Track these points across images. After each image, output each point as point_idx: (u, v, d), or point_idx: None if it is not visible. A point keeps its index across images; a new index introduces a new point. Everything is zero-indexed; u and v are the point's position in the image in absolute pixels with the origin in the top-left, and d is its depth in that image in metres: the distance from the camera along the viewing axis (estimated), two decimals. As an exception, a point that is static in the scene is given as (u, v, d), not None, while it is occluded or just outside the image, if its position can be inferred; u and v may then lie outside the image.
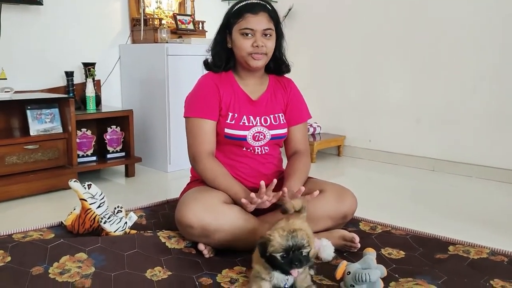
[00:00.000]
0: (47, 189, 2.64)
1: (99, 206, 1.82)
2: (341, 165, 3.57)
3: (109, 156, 3.02)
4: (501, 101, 2.96)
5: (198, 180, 1.90)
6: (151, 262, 1.61)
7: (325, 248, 1.70)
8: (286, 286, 1.36)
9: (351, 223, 1.97)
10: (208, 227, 1.66)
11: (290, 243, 1.26)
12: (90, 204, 1.80)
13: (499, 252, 1.72)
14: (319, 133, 3.76)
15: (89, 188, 1.84)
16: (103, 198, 1.86)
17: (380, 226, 2.01)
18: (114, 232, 1.79)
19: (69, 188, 1.82)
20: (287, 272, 1.30)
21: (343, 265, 1.49)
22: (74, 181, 1.83)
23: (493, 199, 2.65)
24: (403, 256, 1.74)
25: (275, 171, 1.96)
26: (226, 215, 1.69)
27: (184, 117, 1.89)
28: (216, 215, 1.67)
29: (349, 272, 1.46)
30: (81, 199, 1.80)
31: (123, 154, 3.06)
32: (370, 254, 1.55)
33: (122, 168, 3.17)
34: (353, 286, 1.44)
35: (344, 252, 1.76)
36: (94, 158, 2.95)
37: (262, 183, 1.66)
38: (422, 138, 3.33)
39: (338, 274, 1.48)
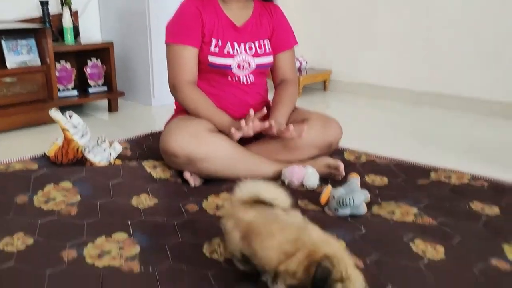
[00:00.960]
0: (28, 123, 2.59)
1: (82, 136, 1.79)
2: (327, 100, 3.55)
3: (90, 90, 2.95)
4: (487, 33, 2.92)
5: (183, 110, 1.86)
6: (137, 191, 1.61)
7: (310, 176, 1.72)
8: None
9: (336, 153, 1.98)
10: (192, 155, 1.65)
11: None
12: (72, 134, 1.77)
13: (480, 178, 1.76)
14: (305, 68, 3.70)
15: (70, 118, 1.80)
16: (85, 128, 1.82)
17: (364, 155, 2.03)
18: (99, 162, 1.77)
19: (51, 122, 1.77)
20: None
21: (327, 190, 1.50)
22: (55, 111, 1.79)
23: (476, 131, 2.68)
24: (386, 183, 1.77)
25: (261, 101, 1.94)
26: (211, 144, 1.68)
27: (165, 43, 1.83)
28: (201, 144, 1.66)
29: (334, 197, 1.48)
30: (63, 129, 1.77)
31: (105, 88, 2.99)
32: (355, 179, 1.57)
33: (105, 103, 3.11)
34: (338, 210, 1.46)
35: (329, 179, 1.77)
36: (75, 92, 2.88)
37: (251, 111, 1.64)
38: (407, 70, 3.30)
39: (323, 199, 1.50)
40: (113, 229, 1.36)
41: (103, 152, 1.79)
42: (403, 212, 1.48)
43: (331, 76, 3.70)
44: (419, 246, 1.25)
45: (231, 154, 1.72)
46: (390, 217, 1.45)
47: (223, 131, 1.73)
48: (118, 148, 1.83)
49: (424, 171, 1.84)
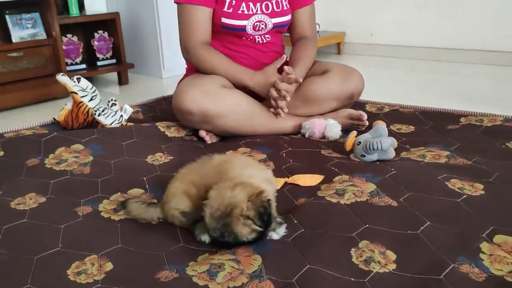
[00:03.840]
0: (37, 98, 2.52)
1: (91, 99, 1.72)
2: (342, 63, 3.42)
3: (99, 63, 2.87)
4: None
5: (195, 70, 1.77)
6: (151, 149, 1.54)
7: (332, 127, 1.63)
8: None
9: (357, 105, 1.88)
10: (208, 112, 1.57)
11: (218, 228, 0.95)
12: (81, 97, 1.70)
13: (514, 119, 1.65)
14: (317, 31, 3.57)
15: (78, 82, 1.74)
16: (94, 91, 1.76)
17: (387, 106, 1.93)
18: (110, 125, 1.71)
19: (61, 97, 1.70)
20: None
21: (352, 136, 1.42)
22: (62, 75, 1.72)
23: (503, 83, 2.54)
24: (413, 130, 1.67)
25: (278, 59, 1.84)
26: (227, 99, 1.60)
27: (175, 2, 1.73)
28: (216, 100, 1.58)
29: (359, 142, 1.39)
30: (72, 92, 1.70)
31: (114, 61, 2.92)
32: (380, 124, 1.47)
33: (114, 76, 3.04)
34: (364, 156, 1.38)
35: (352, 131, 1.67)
36: (83, 66, 2.81)
37: (289, 68, 1.60)
38: (425, 27, 3.17)
39: (348, 145, 1.41)
40: (128, 186, 1.30)
41: (114, 115, 1.72)
42: (434, 155, 1.38)
43: (345, 38, 3.57)
44: (455, 184, 1.16)
45: (247, 110, 1.63)
46: (421, 160, 1.35)
47: (247, 87, 1.65)
48: (129, 110, 1.76)
49: (453, 117, 1.74)
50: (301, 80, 1.60)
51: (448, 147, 1.44)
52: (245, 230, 0.93)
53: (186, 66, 1.88)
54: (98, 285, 0.89)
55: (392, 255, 0.92)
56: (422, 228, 0.99)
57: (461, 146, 1.45)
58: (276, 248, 0.95)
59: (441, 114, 1.78)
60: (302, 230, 1.01)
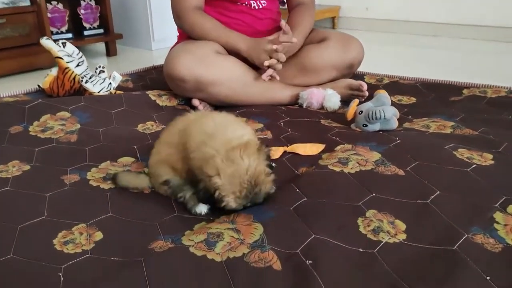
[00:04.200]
0: (22, 68, 2.41)
1: (77, 65, 1.63)
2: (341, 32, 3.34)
3: (86, 33, 2.76)
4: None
5: (188, 36, 1.69)
6: (141, 118, 1.47)
7: (330, 97, 1.56)
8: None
9: (355, 77, 1.81)
10: (201, 79, 1.50)
11: (249, 202, 0.91)
12: (67, 62, 1.61)
13: (518, 91, 1.60)
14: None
15: (64, 47, 1.64)
16: (81, 57, 1.66)
17: (386, 77, 1.86)
18: (98, 92, 1.62)
19: (46, 66, 1.61)
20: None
21: (354, 104, 1.35)
22: (46, 39, 1.62)
23: (503, 58, 2.48)
24: (414, 101, 1.62)
25: (274, 27, 1.75)
26: (222, 66, 1.52)
27: (165, -36, 1.63)
28: (210, 66, 1.50)
29: (361, 112, 1.33)
30: (57, 57, 1.61)
31: (101, 31, 2.80)
32: (382, 93, 1.41)
33: (102, 47, 2.93)
34: (366, 125, 1.32)
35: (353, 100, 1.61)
36: (69, 35, 2.69)
37: (285, 25, 1.51)
38: (423, 1, 3.09)
39: (350, 114, 1.35)
40: (119, 154, 1.23)
41: (102, 82, 1.63)
42: (438, 125, 1.33)
43: (339, 12, 3.48)
44: (463, 154, 1.10)
45: (243, 78, 1.56)
46: (426, 130, 1.29)
47: (240, 53, 1.57)
48: (118, 78, 1.67)
49: (455, 88, 1.68)
50: (295, 40, 1.52)
51: (453, 117, 1.39)
52: (270, 185, 0.92)
53: (177, 34, 1.80)
54: (87, 255, 0.83)
55: (401, 225, 0.87)
56: (432, 197, 0.93)
57: (466, 117, 1.39)
58: (277, 216, 0.89)
59: (443, 85, 1.72)
60: (305, 199, 0.95)
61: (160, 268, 0.77)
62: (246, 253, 0.80)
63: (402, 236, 0.84)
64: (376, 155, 1.10)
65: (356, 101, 1.36)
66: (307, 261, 0.78)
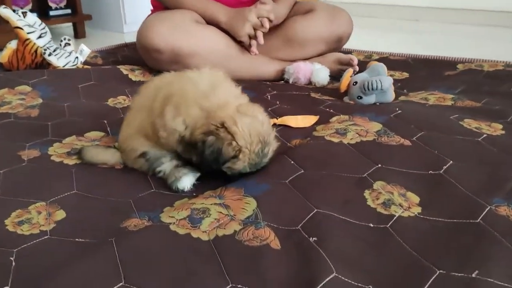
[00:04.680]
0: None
1: (39, 37, 1.47)
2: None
3: (52, 13, 2.57)
4: None
5: (163, 8, 1.55)
6: (112, 92, 1.32)
7: (319, 72, 1.45)
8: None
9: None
10: (179, 50, 1.37)
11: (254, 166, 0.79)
12: (28, 33, 1.44)
13: (515, 64, 1.52)
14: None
15: (24, 17, 1.48)
16: (44, 28, 1.50)
17: (376, 54, 1.76)
18: (63, 67, 1.46)
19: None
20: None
21: (348, 74, 1.24)
22: (4, 7, 1.45)
23: (490, 44, 2.41)
24: (407, 76, 1.52)
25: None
26: (201, 36, 1.40)
27: None
28: (189, 36, 1.37)
29: (356, 82, 1.22)
30: (16, 27, 1.44)
31: (68, 11, 2.62)
32: (378, 63, 1.30)
33: (70, 29, 2.74)
34: (361, 97, 1.21)
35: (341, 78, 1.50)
36: (34, 15, 2.49)
37: None
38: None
39: (343, 85, 1.24)
40: (86, 129, 1.08)
41: (68, 56, 1.48)
42: (438, 98, 1.23)
43: (320, -3, 3.37)
44: (471, 124, 1.01)
45: (224, 49, 1.43)
46: (425, 103, 1.19)
47: (219, 23, 1.44)
48: (86, 51, 1.52)
49: (449, 63, 1.59)
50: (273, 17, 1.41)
51: (451, 90, 1.29)
52: (275, 148, 0.83)
53: (151, 8, 1.65)
54: (47, 237, 0.69)
55: (414, 197, 0.76)
56: (445, 167, 0.83)
57: (466, 89, 1.30)
58: (272, 190, 0.77)
59: (436, 61, 1.63)
60: (302, 171, 0.83)
61: (135, 249, 0.64)
62: (237, 230, 0.67)
63: (417, 210, 0.73)
64: (376, 125, 0.99)
65: (350, 70, 1.25)
66: (310, 238, 0.66)
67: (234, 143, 0.75)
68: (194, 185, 0.82)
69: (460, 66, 1.55)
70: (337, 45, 1.57)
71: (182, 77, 0.85)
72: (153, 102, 0.82)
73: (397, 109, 1.08)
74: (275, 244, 0.65)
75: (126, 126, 0.90)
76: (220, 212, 0.71)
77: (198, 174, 0.82)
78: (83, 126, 1.09)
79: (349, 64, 1.50)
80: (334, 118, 1.06)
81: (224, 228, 0.68)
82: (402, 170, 0.83)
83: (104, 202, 0.78)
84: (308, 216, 0.70)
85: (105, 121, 1.12)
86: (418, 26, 2.89)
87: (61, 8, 2.60)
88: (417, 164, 0.84)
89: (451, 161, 0.84)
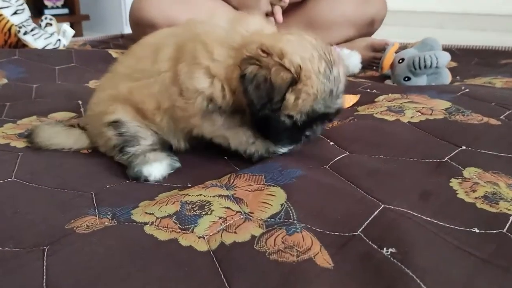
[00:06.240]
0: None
1: (15, 13, 1.23)
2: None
3: (47, 12, 2.36)
4: None
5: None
6: (94, 73, 1.07)
7: (350, 57, 1.19)
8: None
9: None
10: (177, 22, 1.12)
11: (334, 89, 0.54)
12: (0, 8, 1.21)
13: None
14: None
15: (-2, -10, 1.24)
16: (22, 4, 1.26)
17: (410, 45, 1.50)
18: (42, 48, 1.22)
19: None
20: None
21: (392, 49, 0.98)
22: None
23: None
24: (456, 65, 1.25)
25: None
26: (203, 8, 1.16)
27: None
28: (189, 6, 1.14)
29: (402, 60, 0.95)
30: (-14, 1, 1.20)
31: (65, 11, 2.42)
32: (431, 37, 1.03)
33: (66, 30, 2.53)
34: (409, 78, 0.94)
35: (374, 67, 1.24)
36: (27, 13, 2.29)
37: None
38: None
39: (386, 63, 0.98)
40: (53, 109, 0.83)
41: (48, 37, 1.23)
42: (506, 82, 0.96)
43: None
44: None
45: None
46: (491, 86, 0.92)
47: (231, 2, 1.21)
48: (69, 32, 1.28)
49: (502, 53, 1.34)
50: None
51: (519, 75, 1.03)
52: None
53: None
54: None
55: (531, 190, 0.48)
56: (561, 150, 0.55)
57: (537, 74, 1.03)
58: (307, 177, 0.50)
59: (486, 51, 1.37)
60: (346, 153, 0.57)
61: (76, 265, 0.36)
62: (257, 236, 0.40)
63: (542, 208, 0.45)
64: (444, 103, 0.72)
65: (396, 45, 0.98)
66: (383, 250, 0.38)
67: (286, 61, 0.49)
68: (164, 178, 0.55)
69: (517, 54, 1.29)
70: (368, 29, 1.32)
71: (190, 25, 0.59)
72: (152, 64, 0.56)
73: (463, 87, 0.82)
74: (323, 259, 0.38)
75: (108, 89, 0.63)
76: (228, 208, 0.44)
77: (177, 165, 0.56)
78: (50, 107, 0.84)
79: (384, 50, 1.24)
80: (381, 97, 0.80)
81: (235, 232, 0.41)
82: (500, 154, 0.56)
83: (51, 194, 0.51)
84: (373, 215, 0.43)
85: (79, 102, 0.87)
86: (442, 32, 2.64)
87: (57, 7, 2.40)
88: (518, 147, 0.57)
89: None
